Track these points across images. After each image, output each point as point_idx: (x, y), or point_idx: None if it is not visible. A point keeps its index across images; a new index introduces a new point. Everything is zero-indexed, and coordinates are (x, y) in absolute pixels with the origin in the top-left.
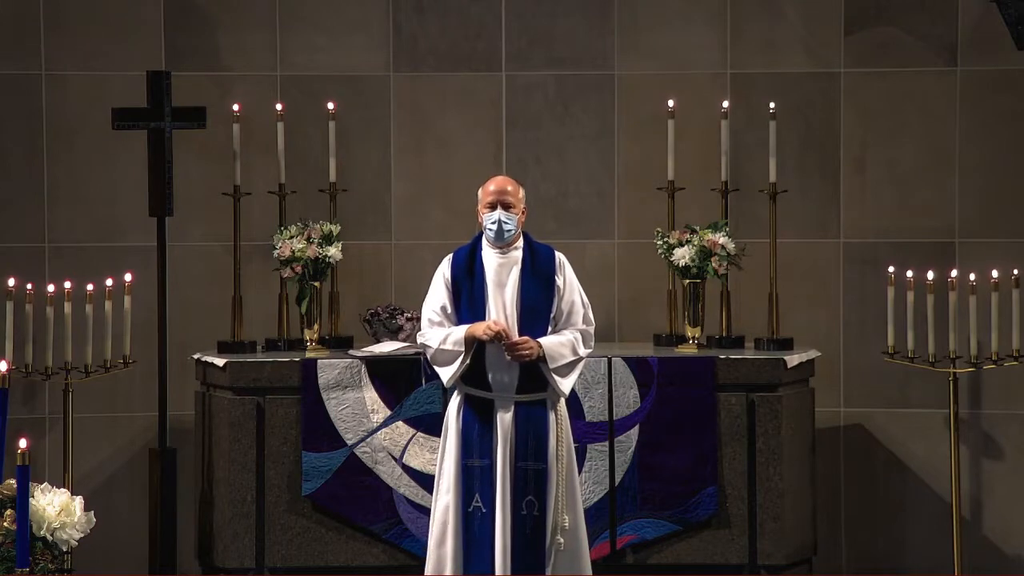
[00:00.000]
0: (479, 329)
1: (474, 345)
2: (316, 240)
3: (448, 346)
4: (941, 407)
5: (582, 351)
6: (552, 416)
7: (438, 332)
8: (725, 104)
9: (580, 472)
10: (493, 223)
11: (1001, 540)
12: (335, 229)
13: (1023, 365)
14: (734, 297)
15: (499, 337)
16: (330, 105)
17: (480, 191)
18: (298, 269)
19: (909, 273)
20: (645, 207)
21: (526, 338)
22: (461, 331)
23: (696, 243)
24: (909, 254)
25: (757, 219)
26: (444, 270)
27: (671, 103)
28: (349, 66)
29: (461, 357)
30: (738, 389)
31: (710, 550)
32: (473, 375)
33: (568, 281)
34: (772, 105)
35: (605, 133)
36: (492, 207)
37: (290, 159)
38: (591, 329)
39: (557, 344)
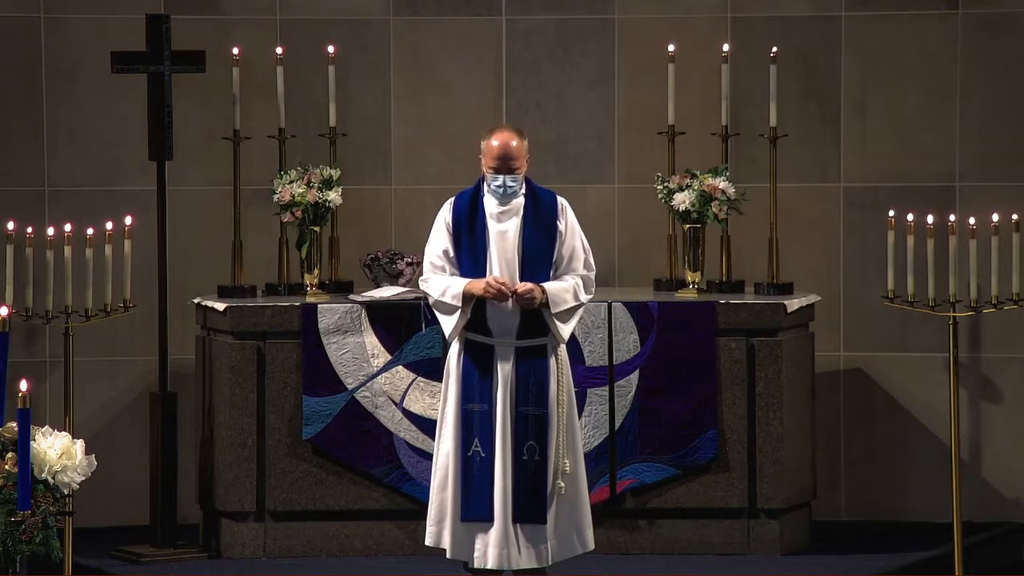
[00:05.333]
0: (478, 287)
1: (473, 300)
2: (316, 185)
3: (447, 299)
4: (941, 351)
5: (583, 297)
6: (553, 361)
7: (439, 281)
8: (725, 48)
9: (580, 417)
10: (498, 186)
11: (1000, 483)
12: (335, 174)
13: (1022, 309)
14: (734, 242)
15: (500, 296)
16: (330, 49)
17: (483, 143)
18: (298, 214)
19: (909, 217)
20: (645, 152)
21: (529, 286)
22: (460, 286)
23: (696, 188)
24: (909, 198)
25: (757, 164)
26: (445, 214)
27: (671, 47)
28: (349, 9)
29: (459, 312)
30: (738, 334)
31: (710, 494)
32: (474, 321)
33: (569, 226)
34: (773, 50)
35: (605, 77)
36: (496, 170)
37: (290, 103)
38: (592, 275)
39: (560, 289)
